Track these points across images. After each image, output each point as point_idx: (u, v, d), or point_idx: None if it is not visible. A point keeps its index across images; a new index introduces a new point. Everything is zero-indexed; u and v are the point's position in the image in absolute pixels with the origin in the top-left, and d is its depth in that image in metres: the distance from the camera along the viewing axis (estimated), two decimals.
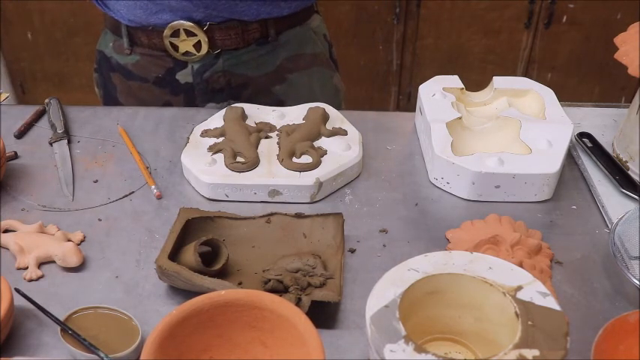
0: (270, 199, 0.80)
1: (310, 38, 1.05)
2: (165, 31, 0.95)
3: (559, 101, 0.88)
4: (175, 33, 0.95)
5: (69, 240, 0.73)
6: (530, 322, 0.52)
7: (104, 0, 0.98)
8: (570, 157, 0.87)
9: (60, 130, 0.92)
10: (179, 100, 1.03)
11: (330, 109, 0.90)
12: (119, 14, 0.96)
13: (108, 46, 1.04)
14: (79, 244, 0.73)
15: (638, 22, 0.81)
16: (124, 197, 0.81)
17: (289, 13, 0.98)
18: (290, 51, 1.02)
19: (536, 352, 0.50)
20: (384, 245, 0.74)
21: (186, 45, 0.96)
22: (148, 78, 1.02)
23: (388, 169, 0.86)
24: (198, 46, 0.96)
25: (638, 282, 0.64)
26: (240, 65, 1.00)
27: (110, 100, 1.08)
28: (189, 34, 0.94)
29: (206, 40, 0.95)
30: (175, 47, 0.96)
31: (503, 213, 0.76)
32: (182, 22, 0.93)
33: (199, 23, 0.94)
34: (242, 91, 1.02)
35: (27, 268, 0.70)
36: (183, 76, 1.01)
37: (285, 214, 0.73)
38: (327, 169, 0.80)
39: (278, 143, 0.85)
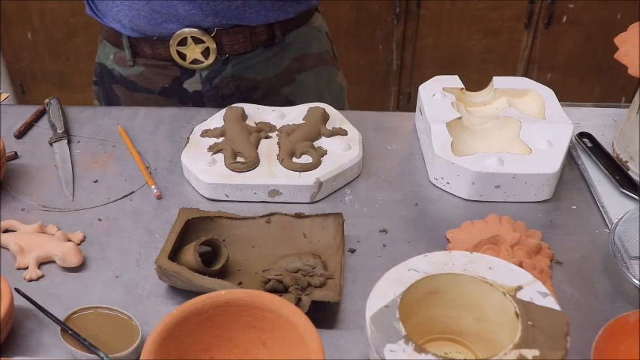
0: (270, 199, 0.80)
1: (315, 37, 1.05)
2: (172, 40, 0.94)
3: (559, 101, 0.88)
4: (182, 41, 0.94)
5: (69, 240, 0.73)
6: (530, 322, 0.52)
7: (103, 11, 0.96)
8: (570, 157, 0.87)
9: (60, 130, 0.92)
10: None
11: (330, 109, 0.90)
12: (119, 25, 0.95)
13: (109, 59, 1.03)
14: (79, 244, 0.73)
15: (638, 22, 0.81)
16: (124, 197, 0.81)
17: (294, 15, 0.98)
18: (297, 51, 1.02)
19: (536, 352, 0.50)
20: (384, 245, 0.74)
21: (193, 52, 0.95)
22: (153, 89, 1.01)
23: (388, 169, 0.86)
24: (206, 52, 0.95)
25: (638, 282, 0.64)
26: (249, 69, 0.99)
27: None
28: (197, 41, 0.94)
29: (214, 46, 0.94)
30: (182, 56, 0.96)
31: (503, 213, 0.76)
32: (189, 29, 0.93)
33: (207, 30, 0.93)
34: (251, 94, 1.01)
35: (27, 268, 0.70)
36: (191, 85, 1.00)
37: (285, 214, 0.73)
38: (327, 169, 0.80)
39: (278, 143, 0.85)
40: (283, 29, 0.99)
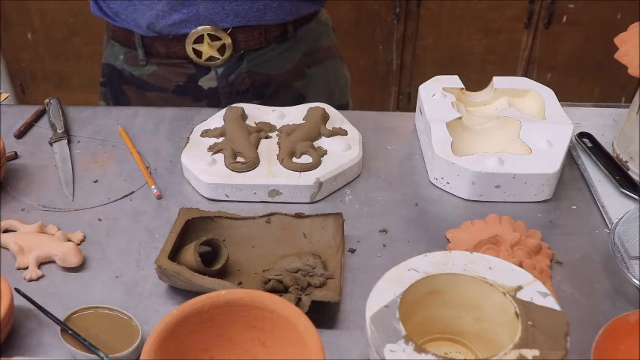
0: (270, 199, 0.80)
1: (323, 31, 1.07)
2: (188, 39, 0.94)
3: (559, 101, 0.88)
4: (198, 39, 0.94)
5: (69, 240, 0.73)
6: (530, 322, 0.52)
7: (115, 11, 0.95)
8: (570, 157, 0.87)
9: (60, 130, 0.92)
10: (201, 107, 1.02)
11: (330, 109, 0.90)
12: (134, 24, 0.95)
13: (118, 59, 1.02)
14: (79, 244, 0.73)
15: (638, 22, 0.81)
16: (124, 197, 0.81)
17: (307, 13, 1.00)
18: (307, 45, 1.03)
19: (536, 352, 0.50)
20: (384, 245, 0.74)
21: (210, 50, 0.95)
22: (166, 88, 1.01)
23: (388, 169, 0.86)
24: (221, 49, 0.96)
25: (638, 282, 0.65)
26: (263, 64, 1.00)
27: None
28: (213, 38, 0.94)
29: (230, 42, 0.95)
30: (198, 53, 0.96)
31: (503, 213, 0.76)
32: (205, 27, 0.93)
33: (223, 28, 0.94)
34: (265, 90, 1.02)
35: (27, 268, 0.70)
36: (207, 82, 1.00)
37: (285, 214, 0.73)
38: (327, 169, 0.80)
39: (278, 143, 0.85)
40: (295, 25, 1.00)
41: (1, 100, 1.04)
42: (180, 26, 0.93)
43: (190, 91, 1.01)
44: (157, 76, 1.01)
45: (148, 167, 0.86)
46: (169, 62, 0.99)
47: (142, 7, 0.92)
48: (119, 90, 1.05)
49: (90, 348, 0.59)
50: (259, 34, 0.96)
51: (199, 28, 0.93)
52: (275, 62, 1.01)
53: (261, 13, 0.93)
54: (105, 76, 1.07)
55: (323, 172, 0.79)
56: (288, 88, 1.03)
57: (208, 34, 0.94)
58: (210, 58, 0.97)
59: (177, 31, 0.94)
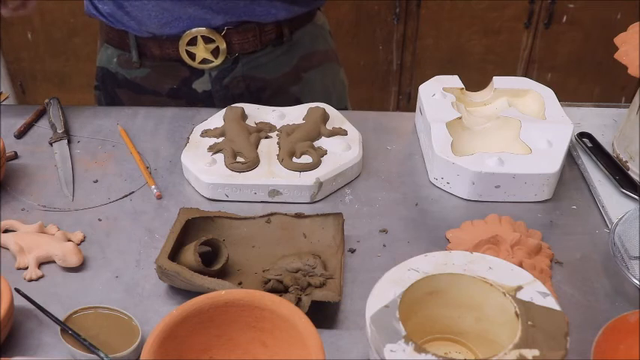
0: (270, 199, 0.80)
1: (320, 35, 1.05)
2: (181, 40, 0.93)
3: (559, 101, 0.88)
4: (192, 41, 0.94)
5: (69, 240, 0.73)
6: (530, 322, 0.52)
7: (109, 12, 0.94)
8: (570, 157, 0.87)
9: (60, 130, 0.92)
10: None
11: (330, 109, 0.90)
12: (127, 25, 0.94)
13: (112, 62, 1.02)
14: (79, 244, 0.73)
15: (638, 22, 0.81)
16: (124, 197, 0.81)
17: (301, 13, 0.99)
18: (304, 49, 1.02)
19: (536, 352, 0.50)
20: (384, 245, 0.74)
21: (203, 52, 0.95)
22: (160, 91, 1.01)
23: (388, 169, 0.86)
24: (215, 52, 0.95)
25: (638, 282, 0.65)
26: (259, 68, 0.99)
27: None
28: (207, 40, 0.93)
29: (224, 46, 0.94)
30: (192, 55, 0.95)
31: (503, 213, 0.76)
32: (200, 28, 0.93)
33: (217, 29, 0.93)
34: (260, 94, 1.01)
35: (27, 268, 0.70)
36: (201, 85, 0.99)
37: (285, 214, 0.73)
38: (327, 169, 0.80)
39: (278, 143, 0.85)
40: (291, 27, 0.99)
41: (1, 100, 1.04)
42: (172, 26, 0.92)
43: (184, 95, 1.01)
44: (150, 79, 1.00)
45: (148, 167, 0.86)
46: (163, 65, 0.98)
47: (133, 8, 0.92)
48: (113, 93, 1.05)
49: (90, 348, 0.59)
50: (254, 36, 0.95)
51: (193, 29, 0.92)
52: (271, 66, 1.00)
53: (249, 8, 0.92)
54: (99, 80, 1.06)
55: (323, 172, 0.79)
56: (284, 93, 1.02)
57: (202, 36, 0.93)
58: (204, 61, 0.96)
59: (170, 32, 0.93)
